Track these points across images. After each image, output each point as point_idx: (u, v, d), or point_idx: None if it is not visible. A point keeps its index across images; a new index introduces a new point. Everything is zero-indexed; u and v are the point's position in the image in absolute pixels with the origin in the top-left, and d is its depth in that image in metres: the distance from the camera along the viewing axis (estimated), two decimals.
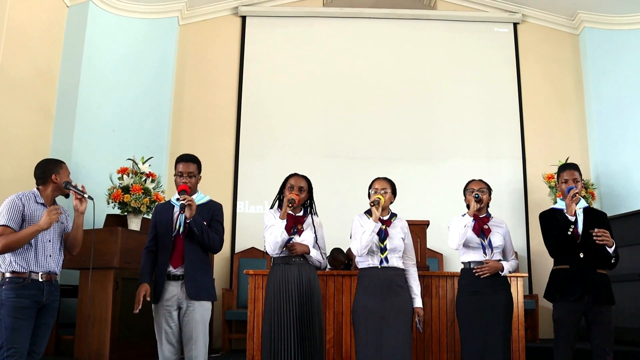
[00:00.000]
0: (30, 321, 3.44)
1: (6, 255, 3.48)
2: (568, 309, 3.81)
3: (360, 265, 3.84)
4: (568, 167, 4.04)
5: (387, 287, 3.70)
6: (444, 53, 7.83)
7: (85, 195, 3.66)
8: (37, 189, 3.66)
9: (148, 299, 3.63)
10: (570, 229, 3.79)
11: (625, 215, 6.05)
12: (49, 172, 3.65)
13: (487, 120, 7.62)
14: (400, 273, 3.79)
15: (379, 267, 3.73)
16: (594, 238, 3.77)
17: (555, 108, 7.72)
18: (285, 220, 3.77)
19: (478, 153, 7.49)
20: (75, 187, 3.65)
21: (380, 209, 3.71)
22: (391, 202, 3.92)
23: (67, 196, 3.72)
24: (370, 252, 3.76)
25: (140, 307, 3.64)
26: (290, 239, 3.81)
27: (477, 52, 7.83)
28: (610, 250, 3.81)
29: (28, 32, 5.96)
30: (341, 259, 5.95)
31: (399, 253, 3.80)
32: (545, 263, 6.56)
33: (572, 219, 3.80)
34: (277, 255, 3.84)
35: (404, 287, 3.78)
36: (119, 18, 7.08)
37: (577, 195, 3.82)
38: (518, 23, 7.94)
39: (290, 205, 3.77)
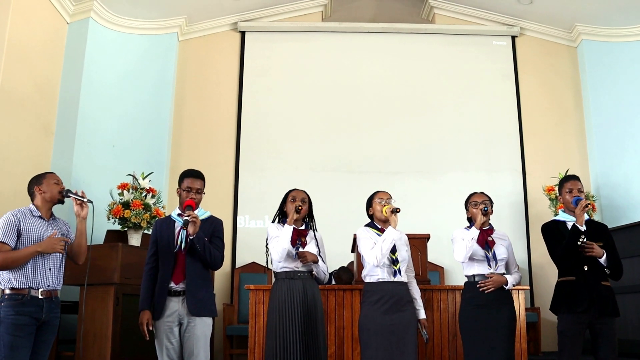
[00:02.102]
0: (29, 338, 3.43)
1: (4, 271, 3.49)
2: (573, 321, 3.78)
3: (368, 280, 3.82)
4: (571, 178, 4.05)
5: (397, 302, 3.70)
6: (443, 66, 7.85)
7: (85, 200, 3.71)
8: (33, 204, 3.71)
9: (150, 327, 3.64)
10: (581, 239, 3.78)
11: (626, 227, 6.05)
12: (32, 187, 3.75)
13: (487, 133, 7.63)
14: (406, 287, 3.81)
15: (393, 279, 3.73)
16: (585, 251, 3.77)
17: (554, 120, 7.73)
18: (292, 226, 3.78)
19: (478, 166, 7.49)
20: (75, 193, 3.72)
21: (398, 217, 3.74)
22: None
23: (62, 202, 3.76)
24: (381, 266, 3.75)
25: (148, 335, 3.66)
26: (296, 249, 3.82)
27: (475, 66, 7.85)
28: (602, 260, 3.81)
29: (28, 48, 5.98)
30: (345, 278, 5.90)
31: (406, 265, 3.83)
32: (547, 275, 6.59)
33: (583, 228, 3.78)
34: (281, 270, 3.83)
35: (409, 301, 3.79)
36: (119, 34, 7.12)
37: (589, 205, 3.81)
38: (516, 36, 7.98)
39: (297, 212, 3.82)
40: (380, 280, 3.74)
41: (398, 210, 3.75)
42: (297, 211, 3.83)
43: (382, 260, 3.70)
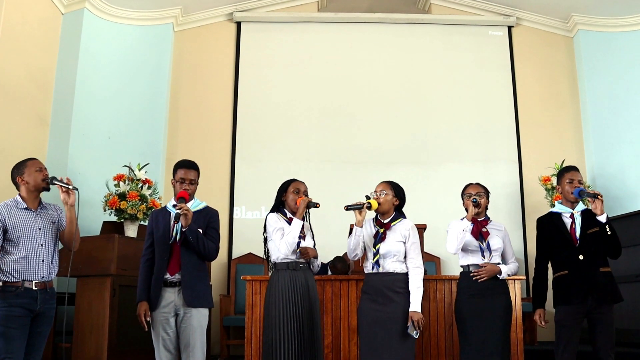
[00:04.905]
0: (24, 330, 3.41)
1: None
2: (570, 311, 3.78)
3: (364, 270, 3.88)
4: (572, 169, 4.04)
5: (381, 292, 3.70)
6: (439, 57, 7.84)
7: (70, 187, 3.61)
8: (19, 194, 3.65)
9: (148, 319, 3.63)
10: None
11: (622, 217, 6.06)
12: (14, 177, 3.67)
13: (483, 123, 7.63)
14: (398, 278, 3.74)
15: (373, 271, 3.76)
16: (594, 195, 3.75)
17: (550, 110, 7.73)
18: (301, 220, 3.78)
19: (474, 156, 7.49)
20: (60, 180, 3.61)
21: (364, 213, 3.71)
22: (396, 204, 3.89)
23: (47, 190, 3.67)
24: (366, 257, 3.80)
25: (146, 326, 3.65)
26: (298, 243, 3.81)
27: (472, 56, 7.84)
28: (602, 218, 3.79)
29: (23, 39, 5.96)
30: (340, 268, 5.91)
31: (395, 257, 3.75)
32: None
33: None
34: (282, 261, 3.82)
35: (400, 292, 3.71)
36: (114, 25, 7.09)
37: (598, 197, 3.77)
38: (512, 26, 7.97)
39: (308, 208, 3.83)
40: (367, 271, 3.81)
41: (348, 208, 3.71)
42: (314, 206, 3.84)
43: (350, 255, 3.80)
